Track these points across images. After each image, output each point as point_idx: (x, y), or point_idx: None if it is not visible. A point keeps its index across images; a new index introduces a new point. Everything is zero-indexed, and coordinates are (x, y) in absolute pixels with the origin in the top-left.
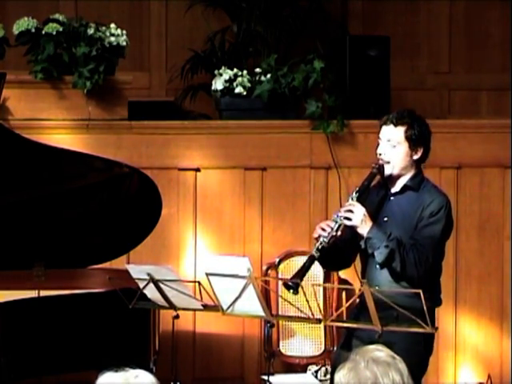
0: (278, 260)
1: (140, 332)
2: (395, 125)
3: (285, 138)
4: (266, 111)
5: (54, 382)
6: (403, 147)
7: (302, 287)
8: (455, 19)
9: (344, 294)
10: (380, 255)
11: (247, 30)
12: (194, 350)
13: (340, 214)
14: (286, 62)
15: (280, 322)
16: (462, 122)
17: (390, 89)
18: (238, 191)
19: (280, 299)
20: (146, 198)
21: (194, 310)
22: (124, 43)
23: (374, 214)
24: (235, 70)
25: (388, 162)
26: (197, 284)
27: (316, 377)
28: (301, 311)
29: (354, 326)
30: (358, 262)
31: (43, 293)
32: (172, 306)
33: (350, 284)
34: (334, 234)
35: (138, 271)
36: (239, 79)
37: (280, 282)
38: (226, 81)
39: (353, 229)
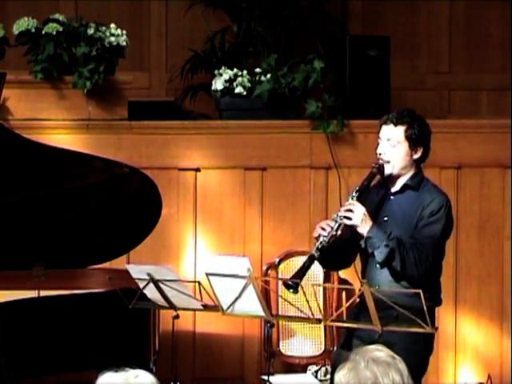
0: (277, 260)
1: (140, 332)
2: (395, 124)
3: (285, 138)
4: (266, 111)
5: (54, 382)
6: (403, 147)
7: (302, 287)
8: (455, 19)
9: (344, 293)
10: (380, 254)
11: (247, 30)
12: (194, 350)
13: (340, 214)
14: (286, 61)
15: (280, 321)
16: (462, 121)
17: (390, 89)
18: (238, 191)
19: (280, 299)
20: (145, 198)
21: (194, 309)
22: (124, 43)
23: (374, 214)
24: (235, 69)
25: (388, 162)
26: (197, 284)
27: (316, 377)
28: (301, 311)
29: (354, 326)
30: (357, 262)
31: (43, 293)
32: (172, 306)
33: (350, 284)
34: (334, 233)
35: (138, 271)
36: (239, 79)
37: (280, 282)
38: (226, 81)
39: (353, 228)
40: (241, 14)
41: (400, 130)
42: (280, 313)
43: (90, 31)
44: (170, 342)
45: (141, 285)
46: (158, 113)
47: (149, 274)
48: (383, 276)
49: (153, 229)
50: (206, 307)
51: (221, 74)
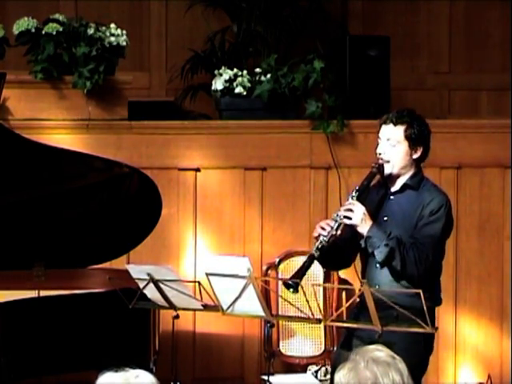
0: (277, 260)
1: (140, 332)
2: (395, 124)
3: (285, 138)
4: (266, 111)
5: (54, 382)
6: (403, 146)
7: (302, 287)
8: (455, 19)
9: (344, 293)
10: (380, 254)
11: (247, 30)
12: (194, 350)
13: (340, 213)
14: (286, 61)
15: (280, 321)
16: (462, 121)
17: (390, 89)
18: (238, 191)
19: (280, 299)
20: (146, 198)
21: (194, 309)
22: (124, 43)
23: (374, 213)
24: (235, 69)
25: (388, 162)
26: (197, 284)
27: (316, 377)
28: (301, 311)
29: (354, 326)
30: (357, 262)
31: (43, 293)
32: (172, 306)
33: (350, 284)
34: (334, 233)
35: (138, 271)
36: (239, 79)
37: (280, 282)
38: (226, 81)
39: (353, 228)
40: (241, 14)
41: (400, 130)
42: (280, 313)
43: (90, 31)
44: (170, 341)
45: (141, 285)
46: (158, 113)
47: (149, 274)
48: (383, 276)
49: (153, 229)
50: (205, 307)
51: (221, 74)
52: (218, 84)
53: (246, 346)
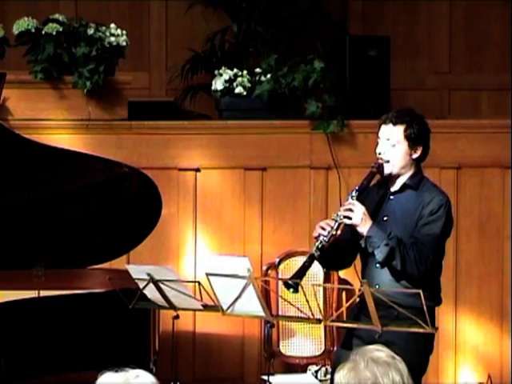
0: (277, 260)
1: (140, 332)
2: (394, 124)
3: (285, 138)
4: (266, 111)
5: (54, 382)
6: (402, 146)
7: (302, 287)
8: (455, 19)
9: (344, 293)
10: (380, 254)
11: (247, 30)
12: (193, 350)
13: (340, 213)
14: (286, 62)
15: (280, 322)
16: (461, 122)
17: (390, 89)
18: (238, 191)
19: (280, 299)
20: (146, 198)
21: (194, 310)
22: (124, 43)
23: (374, 213)
24: (235, 70)
25: (387, 161)
26: (197, 284)
27: (316, 377)
28: (301, 311)
29: (354, 326)
30: (357, 262)
31: (43, 293)
32: (172, 306)
33: (350, 284)
34: (334, 232)
35: (138, 271)
36: (239, 79)
37: (280, 282)
38: (226, 81)
39: (353, 228)
40: (241, 14)
41: (399, 130)
42: (280, 313)
43: (90, 31)
44: (170, 342)
45: (141, 285)
46: (158, 113)
47: (149, 274)
48: (383, 276)
49: (153, 229)
50: (205, 307)
51: (221, 74)
52: (218, 84)
53: (245, 346)
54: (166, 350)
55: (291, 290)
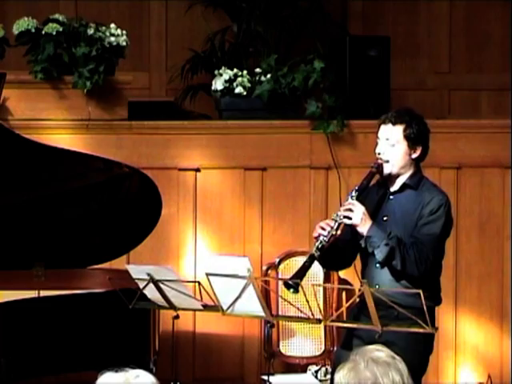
0: (277, 260)
1: (140, 332)
2: (393, 124)
3: (285, 138)
4: (266, 111)
5: (54, 382)
6: (402, 146)
7: (302, 287)
8: (455, 19)
9: (344, 293)
10: (380, 253)
11: (247, 30)
12: (193, 350)
13: (340, 213)
14: (286, 62)
15: (280, 322)
16: (461, 122)
17: (390, 89)
18: (238, 191)
19: (280, 299)
20: (146, 198)
21: (194, 310)
22: (124, 43)
23: (374, 213)
24: (235, 70)
25: (387, 161)
26: (197, 284)
27: (316, 377)
28: (301, 311)
29: (354, 326)
30: (357, 262)
31: (43, 293)
32: (172, 306)
33: (350, 284)
34: (334, 233)
35: (138, 271)
36: (239, 79)
37: (280, 282)
38: (226, 81)
39: (353, 228)
40: (241, 14)
41: (398, 130)
42: (280, 313)
43: (90, 31)
44: (170, 342)
45: (141, 285)
46: (158, 113)
47: (149, 274)
48: (383, 276)
49: (153, 229)
50: (205, 307)
51: (221, 74)
52: (218, 84)
53: (245, 346)
54: (166, 350)
55: (291, 290)
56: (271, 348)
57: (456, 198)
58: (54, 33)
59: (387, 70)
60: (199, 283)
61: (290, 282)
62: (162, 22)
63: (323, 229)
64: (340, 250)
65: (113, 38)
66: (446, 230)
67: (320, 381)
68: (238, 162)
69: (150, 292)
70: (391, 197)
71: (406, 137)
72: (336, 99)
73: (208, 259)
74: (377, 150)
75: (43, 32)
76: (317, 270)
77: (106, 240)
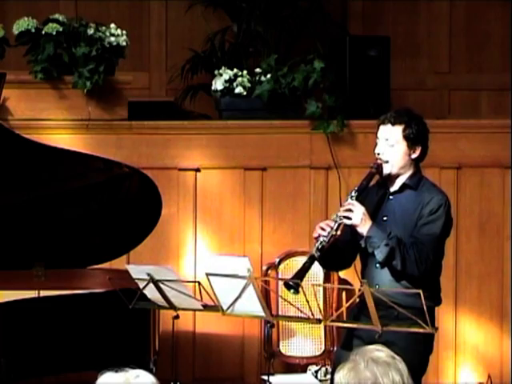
0: (278, 260)
1: (140, 332)
2: (393, 124)
3: (285, 138)
4: (266, 111)
5: (54, 382)
6: (401, 146)
7: (302, 287)
8: (455, 19)
9: (344, 293)
10: (380, 254)
11: (247, 30)
12: (193, 350)
13: (339, 214)
14: (286, 62)
15: (280, 322)
16: (461, 122)
17: (390, 89)
18: (238, 191)
19: (280, 299)
20: (145, 198)
21: (194, 310)
22: (124, 43)
23: (374, 213)
24: (235, 70)
25: (386, 162)
26: (197, 284)
27: (316, 377)
28: (301, 311)
29: (354, 326)
30: (357, 262)
31: (43, 293)
32: (172, 306)
33: (350, 284)
34: (334, 233)
35: (138, 271)
36: (239, 79)
37: (280, 282)
38: (226, 81)
39: (352, 228)
40: (241, 14)
41: (398, 130)
42: (280, 313)
43: (90, 31)
44: (170, 341)
45: (141, 285)
46: (158, 113)
47: (149, 274)
48: (383, 276)
49: (153, 229)
50: (205, 307)
51: (221, 74)
52: (218, 84)
53: (245, 346)
54: (166, 350)
55: (292, 290)
56: (271, 348)
57: (456, 198)
58: (54, 33)
59: (387, 70)
60: (199, 283)
61: (291, 283)
62: (162, 21)
63: (323, 229)
64: (340, 251)
65: (113, 38)
66: (446, 229)
67: (320, 381)
68: (238, 162)
69: (150, 292)
70: (391, 197)
71: (406, 137)
72: (336, 99)
73: (208, 259)
74: (376, 151)
75: (43, 32)
76: (317, 270)
77: (106, 240)
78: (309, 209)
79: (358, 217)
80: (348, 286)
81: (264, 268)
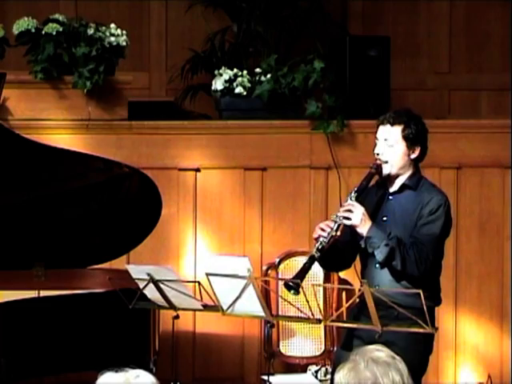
0: (278, 260)
1: (140, 332)
2: (392, 124)
3: (285, 138)
4: (266, 111)
5: (54, 382)
6: (400, 146)
7: (303, 287)
8: (455, 19)
9: (344, 293)
10: (380, 254)
11: (247, 30)
12: (193, 350)
13: (339, 214)
14: (286, 62)
15: (280, 322)
16: (461, 122)
17: (390, 89)
18: (238, 191)
19: (280, 299)
20: (146, 198)
21: (194, 310)
22: (124, 43)
23: (373, 214)
24: (235, 70)
25: (386, 162)
26: (197, 284)
27: (316, 377)
28: (301, 311)
29: (354, 326)
30: (357, 262)
31: (43, 293)
32: (172, 306)
33: (350, 284)
34: (334, 233)
35: (138, 271)
36: (239, 79)
37: (280, 282)
38: (226, 81)
39: (352, 229)
40: (241, 14)
41: (397, 130)
42: (280, 313)
43: (90, 31)
44: (170, 341)
45: (141, 285)
46: (158, 113)
47: (149, 274)
48: (383, 276)
49: (153, 229)
50: (205, 307)
51: (221, 74)
52: (218, 84)
53: (245, 346)
54: (166, 350)
55: (292, 291)
56: (271, 348)
57: (456, 198)
58: (54, 33)
59: (387, 70)
60: (199, 283)
61: (291, 283)
62: (162, 21)
63: (323, 230)
64: (340, 251)
65: (113, 38)
66: (446, 229)
67: (320, 381)
68: (238, 161)
69: (150, 292)
70: (390, 197)
71: (405, 137)
72: (336, 99)
73: (208, 259)
74: (375, 151)
75: (43, 32)
76: (317, 270)
77: (106, 240)
78: (309, 209)
79: (358, 217)
80: (348, 286)
81: (264, 268)
